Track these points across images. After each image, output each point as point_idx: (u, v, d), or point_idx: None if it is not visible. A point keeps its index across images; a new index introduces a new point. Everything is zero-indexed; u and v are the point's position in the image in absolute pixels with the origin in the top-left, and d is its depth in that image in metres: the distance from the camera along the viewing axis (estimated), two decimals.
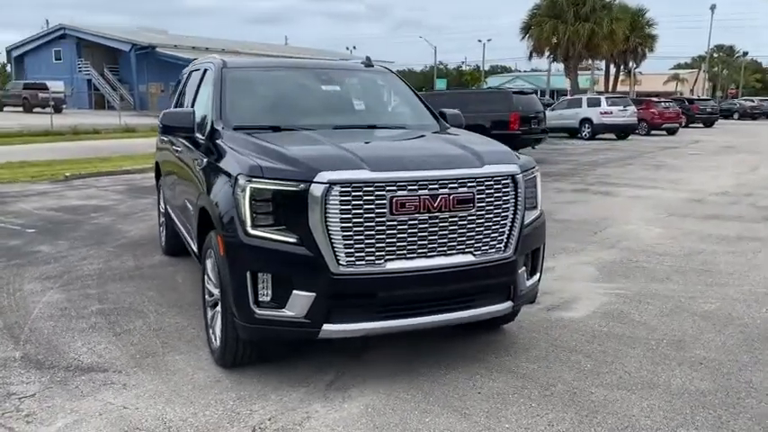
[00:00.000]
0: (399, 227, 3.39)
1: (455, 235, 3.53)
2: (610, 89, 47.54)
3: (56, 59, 55.25)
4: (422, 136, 4.47)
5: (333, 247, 3.31)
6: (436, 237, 3.49)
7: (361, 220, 3.32)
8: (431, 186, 3.43)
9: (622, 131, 27.06)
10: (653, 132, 29.78)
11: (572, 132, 27.63)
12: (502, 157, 3.82)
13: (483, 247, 3.63)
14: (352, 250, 3.34)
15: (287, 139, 3.97)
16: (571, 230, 8.08)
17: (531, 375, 3.83)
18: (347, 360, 4.00)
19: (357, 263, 3.36)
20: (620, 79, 52.28)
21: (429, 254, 3.49)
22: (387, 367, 3.92)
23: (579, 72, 43.00)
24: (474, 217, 3.57)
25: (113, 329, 4.52)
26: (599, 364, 4.01)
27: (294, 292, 3.36)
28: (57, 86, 40.71)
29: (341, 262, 3.33)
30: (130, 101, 49.66)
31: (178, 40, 54.43)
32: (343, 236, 3.31)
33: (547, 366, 3.96)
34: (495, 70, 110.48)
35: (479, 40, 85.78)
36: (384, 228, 3.37)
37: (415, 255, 3.46)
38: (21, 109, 40.21)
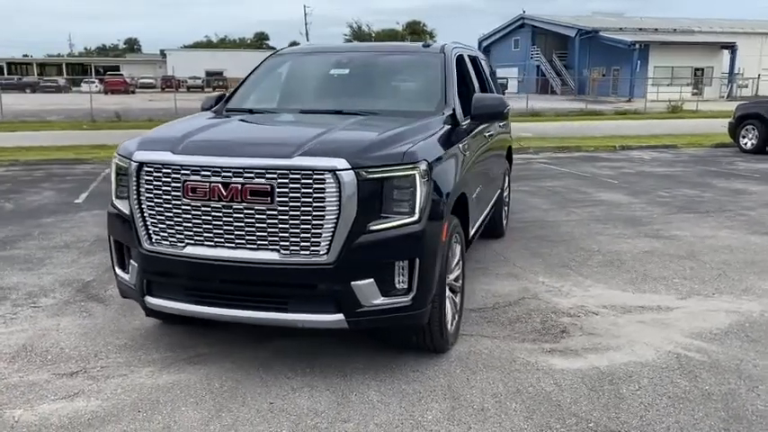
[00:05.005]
0: (194, 212, 3.34)
1: (254, 228, 3.26)
2: None
3: (514, 48, 60.19)
4: (341, 121, 3.96)
5: (145, 224, 3.49)
6: (232, 228, 3.30)
7: (161, 201, 3.41)
8: (224, 174, 3.25)
9: None
10: None
11: None
12: (334, 149, 3.26)
13: (291, 247, 3.24)
14: (157, 229, 3.46)
15: (220, 120, 4.26)
16: None
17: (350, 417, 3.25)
18: (249, 341, 4.03)
19: (162, 242, 3.47)
20: None
21: (227, 244, 3.33)
22: (271, 357, 3.84)
23: None
24: (276, 212, 3.22)
25: None
26: (452, 424, 3.10)
27: (130, 260, 3.67)
28: (509, 73, 44.47)
29: (152, 239, 3.49)
30: (571, 85, 50.79)
31: (629, 22, 52.96)
32: (149, 214, 3.46)
33: (378, 409, 3.26)
34: None
35: None
36: (180, 212, 3.37)
37: (213, 243, 3.35)
38: None
